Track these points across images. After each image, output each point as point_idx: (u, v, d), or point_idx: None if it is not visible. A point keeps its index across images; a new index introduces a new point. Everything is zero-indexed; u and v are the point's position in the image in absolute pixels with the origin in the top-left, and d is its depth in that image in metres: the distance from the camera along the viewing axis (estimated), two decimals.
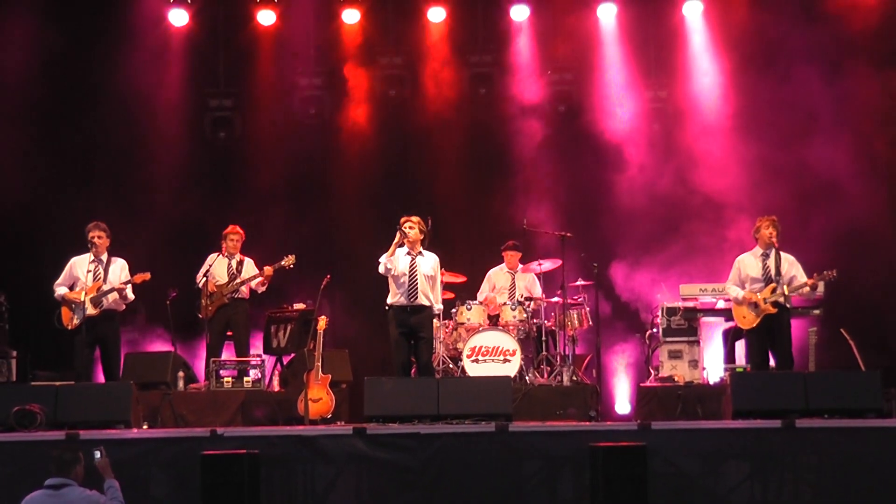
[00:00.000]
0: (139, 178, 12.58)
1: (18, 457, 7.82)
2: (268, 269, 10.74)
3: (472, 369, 10.35)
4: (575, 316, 10.85)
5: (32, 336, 11.30)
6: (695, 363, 10.76)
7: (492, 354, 10.39)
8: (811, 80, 11.90)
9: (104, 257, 9.85)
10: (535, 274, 11.35)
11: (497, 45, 13.03)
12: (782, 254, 9.59)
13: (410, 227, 9.42)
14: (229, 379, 10.40)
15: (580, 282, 11.08)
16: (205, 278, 10.73)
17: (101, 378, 10.02)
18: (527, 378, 10.49)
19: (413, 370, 9.56)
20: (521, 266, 11.38)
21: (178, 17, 12.75)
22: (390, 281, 9.45)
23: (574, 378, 10.47)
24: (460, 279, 11.30)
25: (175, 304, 10.63)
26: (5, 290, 11.49)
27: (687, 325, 10.88)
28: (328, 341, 10.48)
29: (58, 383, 9.17)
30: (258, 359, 10.67)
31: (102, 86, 12.50)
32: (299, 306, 11.44)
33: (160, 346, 11.70)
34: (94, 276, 9.73)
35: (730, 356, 10.70)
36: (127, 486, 7.13)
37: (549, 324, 10.95)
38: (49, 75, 12.25)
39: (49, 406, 8.34)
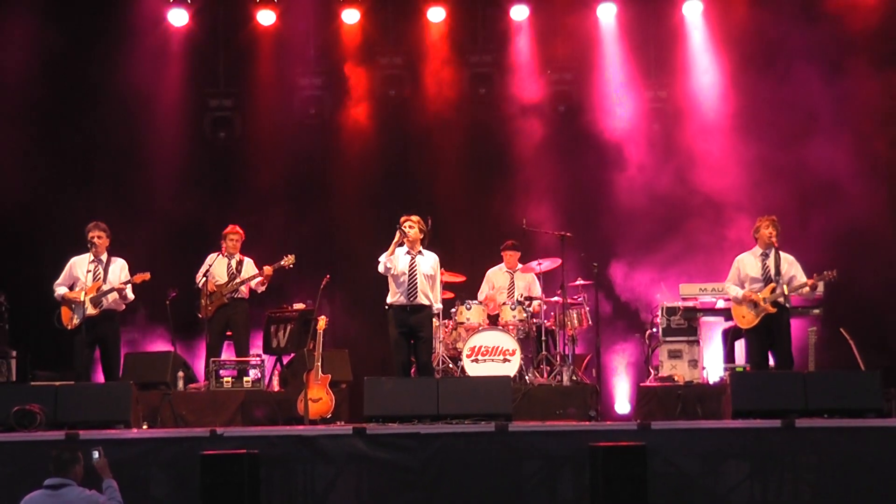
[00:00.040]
0: (139, 178, 12.58)
1: (18, 457, 7.82)
2: (267, 269, 10.74)
3: (472, 369, 10.35)
4: (575, 315, 10.84)
5: (32, 336, 11.30)
6: (694, 363, 10.76)
7: (491, 354, 10.39)
8: (811, 79, 11.90)
9: (104, 257, 9.85)
10: (535, 274, 11.34)
11: (497, 45, 13.03)
12: (782, 253, 9.59)
13: (410, 227, 9.42)
14: (229, 379, 10.40)
15: (580, 281, 11.07)
16: (204, 278, 10.73)
17: (100, 378, 10.01)
18: (526, 378, 10.49)
19: (413, 370, 9.56)
20: (520, 266, 11.38)
21: (178, 17, 12.74)
22: (390, 280, 9.45)
23: (574, 378, 10.47)
24: (460, 279, 11.30)
25: (175, 303, 10.62)
26: (5, 290, 11.48)
27: (687, 324, 10.88)
28: (328, 341, 10.48)
29: (58, 383, 9.17)
30: (258, 359, 10.68)
31: (102, 86, 12.50)
32: (299, 306, 11.44)
33: (160, 346, 11.70)
34: (93, 276, 9.73)
35: (729, 356, 10.70)
36: (127, 486, 7.14)
37: (549, 323, 10.94)
38: (49, 75, 12.25)
39: (49, 406, 8.34)
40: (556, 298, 10.92)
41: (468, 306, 10.82)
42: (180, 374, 10.47)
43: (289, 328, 11.29)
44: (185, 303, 10.88)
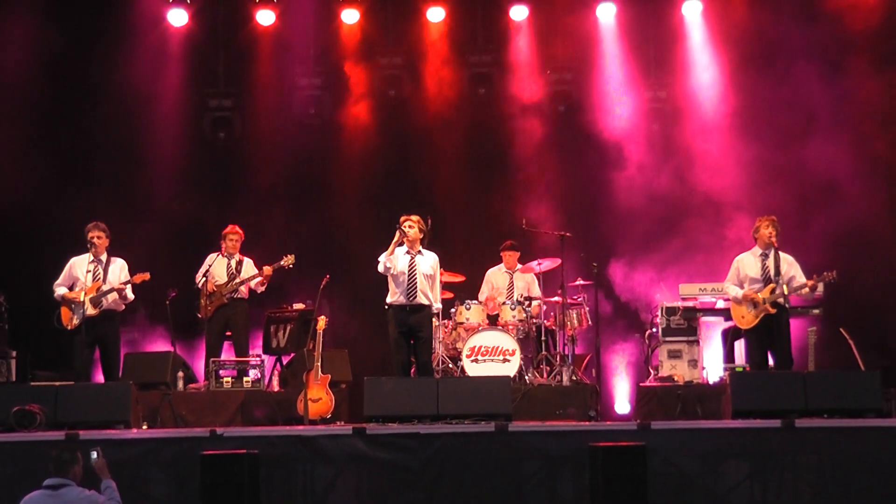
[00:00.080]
0: (139, 178, 12.58)
1: (18, 457, 7.82)
2: (267, 269, 10.74)
3: (472, 369, 10.35)
4: (574, 315, 10.84)
5: (32, 336, 11.30)
6: (694, 363, 10.76)
7: (491, 354, 10.39)
8: (811, 79, 11.90)
9: (104, 257, 9.85)
10: (535, 274, 11.34)
11: (497, 45, 13.03)
12: (781, 254, 9.58)
13: (410, 227, 9.42)
14: (229, 379, 10.41)
15: (580, 281, 11.07)
16: (204, 278, 10.73)
17: (100, 378, 10.01)
18: (526, 378, 10.49)
19: (413, 370, 9.56)
20: (519, 266, 11.38)
21: (178, 17, 12.74)
22: (389, 280, 9.46)
23: (574, 378, 10.47)
24: (459, 279, 11.30)
25: (175, 304, 10.62)
26: (5, 290, 11.49)
27: (686, 324, 10.88)
28: (328, 341, 10.48)
29: (57, 383, 9.17)
30: (258, 359, 10.68)
31: (102, 86, 12.50)
32: (299, 306, 11.44)
33: (160, 346, 11.69)
34: (93, 277, 9.72)
35: (729, 356, 10.70)
36: (127, 487, 7.15)
37: (549, 323, 10.94)
38: (49, 75, 12.26)
39: (49, 406, 8.34)
40: (555, 298, 10.92)
41: (468, 306, 10.82)
42: (180, 374, 10.47)
43: (289, 328, 11.29)
44: (185, 303, 10.88)
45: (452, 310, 10.92)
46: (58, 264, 10.00)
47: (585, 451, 7.76)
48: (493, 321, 10.89)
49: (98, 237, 9.78)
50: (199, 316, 10.77)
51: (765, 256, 9.59)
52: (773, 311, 9.38)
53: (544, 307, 10.95)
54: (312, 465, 7.93)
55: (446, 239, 11.33)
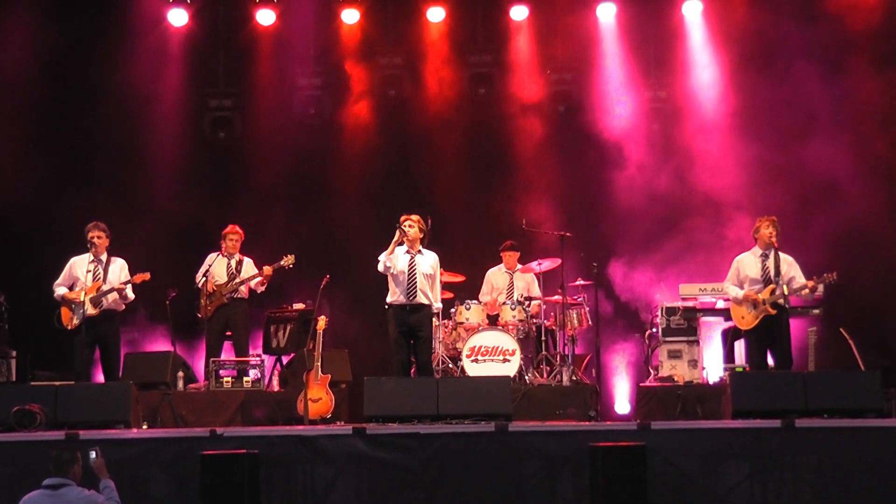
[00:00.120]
0: (139, 178, 12.58)
1: (18, 457, 7.81)
2: (267, 269, 10.74)
3: (472, 369, 10.35)
4: (574, 316, 10.84)
5: (32, 336, 11.30)
6: (694, 363, 10.76)
7: (491, 354, 10.39)
8: (811, 79, 11.90)
9: (104, 257, 9.85)
10: (535, 274, 11.34)
11: (497, 45, 13.03)
12: (781, 254, 9.56)
13: (410, 226, 9.42)
14: (229, 379, 10.41)
15: (580, 281, 11.07)
16: (204, 278, 10.73)
17: (100, 378, 10.01)
18: (526, 378, 10.49)
19: (413, 370, 9.56)
20: (519, 266, 11.38)
21: (178, 17, 12.74)
22: (389, 280, 9.46)
23: (574, 378, 10.47)
24: (459, 279, 11.29)
25: (175, 303, 10.62)
26: (5, 290, 11.49)
27: (686, 324, 10.89)
28: (328, 341, 10.48)
29: (57, 383, 9.18)
30: (258, 359, 10.68)
31: (102, 86, 12.50)
32: (299, 306, 11.44)
33: (160, 346, 11.69)
34: (93, 277, 9.72)
35: (729, 356, 10.71)
36: (127, 487, 7.15)
37: (549, 323, 10.94)
38: (49, 75, 12.25)
39: (49, 406, 8.34)
40: (555, 298, 10.92)
41: (468, 306, 10.82)
42: (180, 374, 10.47)
43: (289, 328, 11.29)
44: (185, 303, 10.88)
45: (452, 310, 10.92)
46: (58, 264, 10.00)
47: (585, 451, 7.76)
48: (493, 321, 10.89)
49: (98, 237, 9.78)
50: (199, 316, 10.77)
51: (765, 257, 9.58)
52: (773, 311, 9.37)
53: (544, 307, 10.96)
54: (312, 465, 7.93)
55: (446, 239, 11.32)
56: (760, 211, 10.08)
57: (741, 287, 9.60)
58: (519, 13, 12.86)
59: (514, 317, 10.74)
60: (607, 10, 12.84)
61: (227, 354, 10.88)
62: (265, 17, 12.83)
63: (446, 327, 10.84)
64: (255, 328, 11.44)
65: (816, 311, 10.63)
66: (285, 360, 11.30)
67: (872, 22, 11.88)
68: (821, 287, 9.72)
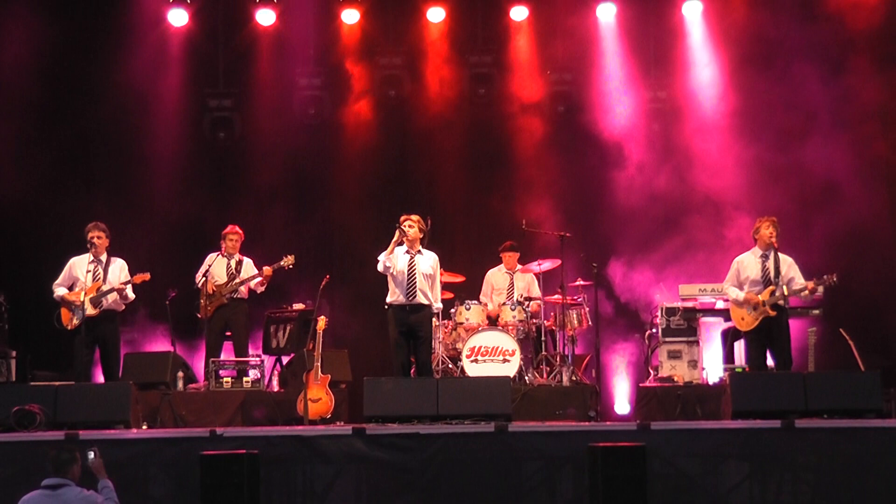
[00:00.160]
0: (139, 179, 12.57)
1: (18, 457, 7.81)
2: (267, 270, 10.74)
3: (472, 369, 10.35)
4: (574, 316, 10.84)
5: (32, 336, 11.31)
6: (694, 363, 10.76)
7: (491, 354, 10.39)
8: (811, 79, 11.90)
9: (103, 257, 9.84)
10: (535, 274, 11.34)
11: (497, 45, 13.03)
12: (781, 255, 9.56)
13: (410, 226, 9.42)
14: (228, 379, 10.41)
15: (580, 282, 11.07)
16: (204, 278, 10.73)
17: (100, 378, 10.01)
18: (526, 378, 10.49)
19: (413, 370, 9.56)
20: (519, 266, 11.38)
21: (178, 17, 12.74)
22: (389, 280, 9.45)
23: (573, 378, 10.47)
24: (459, 279, 11.29)
25: (175, 303, 10.64)
26: (5, 290, 11.48)
27: (686, 325, 10.89)
28: (328, 341, 10.48)
29: (57, 383, 9.18)
30: (257, 359, 10.68)
31: (102, 85, 12.49)
32: (299, 306, 11.44)
33: (160, 346, 11.69)
34: (93, 277, 9.72)
35: (729, 356, 10.71)
36: (126, 487, 7.15)
37: (549, 324, 10.95)
38: (49, 75, 12.26)
39: (48, 406, 8.33)
40: (555, 298, 10.92)
41: (467, 307, 10.83)
42: (180, 374, 10.47)
43: (288, 328, 11.29)
44: (185, 303, 10.89)
45: (452, 310, 10.92)
46: (58, 264, 9.99)
47: (585, 452, 7.75)
48: (492, 321, 10.89)
49: (98, 237, 9.77)
50: (199, 316, 10.77)
51: (765, 258, 9.55)
52: (772, 313, 9.35)
53: (544, 307, 10.95)
54: (312, 465, 7.93)
55: (446, 239, 11.34)
56: (760, 211, 10.08)
57: (741, 288, 9.57)
58: (519, 13, 12.86)
59: (513, 317, 10.74)
60: (607, 10, 12.84)
61: (227, 355, 10.88)
62: (265, 17, 12.83)
63: (446, 327, 10.84)
64: (255, 328, 11.45)
65: (816, 312, 10.63)
66: (285, 360, 11.29)
67: (873, 22, 11.89)
68: (820, 289, 9.71)
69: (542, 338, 10.87)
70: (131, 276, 9.86)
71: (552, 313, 10.96)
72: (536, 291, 11.29)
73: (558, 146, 12.73)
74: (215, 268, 10.79)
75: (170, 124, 12.70)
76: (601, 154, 12.53)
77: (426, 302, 9.45)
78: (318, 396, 9.87)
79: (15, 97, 12.15)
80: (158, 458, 7.90)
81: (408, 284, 9.37)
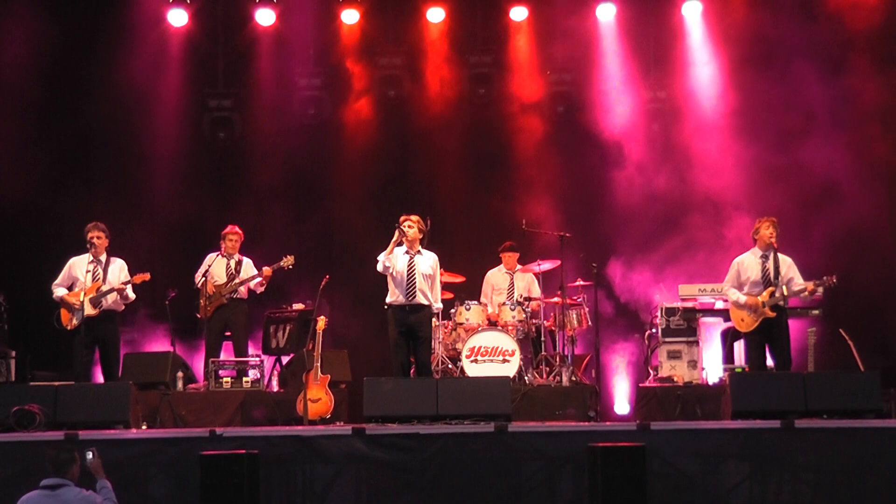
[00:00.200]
0: (139, 178, 12.57)
1: (17, 457, 7.80)
2: (266, 270, 10.74)
3: (471, 369, 10.35)
4: (574, 316, 10.85)
5: (32, 336, 11.31)
6: (694, 363, 10.76)
7: (491, 355, 10.39)
8: (811, 79, 11.89)
9: (103, 258, 9.83)
10: (534, 274, 11.34)
11: (497, 45, 13.03)
12: (780, 255, 9.55)
13: (409, 226, 9.42)
14: (228, 379, 10.41)
15: (579, 282, 11.07)
16: (203, 278, 10.73)
17: (100, 378, 10.01)
18: (526, 378, 10.49)
19: (412, 370, 9.56)
20: (519, 267, 11.38)
21: (178, 17, 12.74)
22: (389, 280, 9.45)
23: (573, 378, 10.47)
24: (459, 279, 11.29)
25: (174, 304, 10.63)
26: (5, 290, 11.49)
27: (686, 325, 10.89)
28: (327, 341, 10.48)
29: (57, 383, 9.18)
30: (257, 359, 10.68)
31: (102, 85, 12.49)
32: (298, 306, 11.44)
33: (159, 346, 11.69)
34: (93, 277, 9.71)
35: (728, 356, 10.71)
36: (126, 487, 7.15)
37: (549, 324, 10.94)
38: (49, 74, 12.26)
39: (48, 406, 8.34)
40: (555, 299, 10.92)
41: (467, 307, 10.82)
42: (179, 374, 10.47)
43: (288, 328, 11.29)
44: (185, 303, 10.89)
45: (452, 310, 10.92)
46: (58, 264, 9.98)
47: (585, 452, 7.74)
48: (492, 324, 10.89)
49: (98, 237, 9.76)
50: (199, 316, 10.77)
51: (765, 258, 9.54)
52: (772, 314, 9.34)
53: (544, 307, 10.95)
54: (312, 465, 7.93)
55: (446, 239, 11.33)
56: (760, 211, 10.08)
57: (741, 289, 9.56)
58: (519, 13, 12.87)
59: (513, 317, 10.74)
60: (607, 11, 12.84)
61: (227, 355, 10.88)
62: (265, 17, 12.83)
63: (446, 328, 10.84)
64: (255, 328, 11.45)
65: (816, 312, 10.63)
66: (285, 360, 11.29)
67: (873, 22, 11.89)
68: (820, 290, 9.70)
69: (542, 338, 10.87)
70: (131, 276, 9.85)
71: (552, 313, 10.96)
72: (536, 291, 11.29)
73: (558, 146, 12.73)
74: (215, 268, 10.78)
75: (170, 124, 12.70)
76: (601, 154, 12.53)
77: (426, 302, 9.45)
78: (318, 396, 9.87)
79: (15, 97, 12.14)
80: (158, 458, 7.91)
81: (407, 285, 9.37)
